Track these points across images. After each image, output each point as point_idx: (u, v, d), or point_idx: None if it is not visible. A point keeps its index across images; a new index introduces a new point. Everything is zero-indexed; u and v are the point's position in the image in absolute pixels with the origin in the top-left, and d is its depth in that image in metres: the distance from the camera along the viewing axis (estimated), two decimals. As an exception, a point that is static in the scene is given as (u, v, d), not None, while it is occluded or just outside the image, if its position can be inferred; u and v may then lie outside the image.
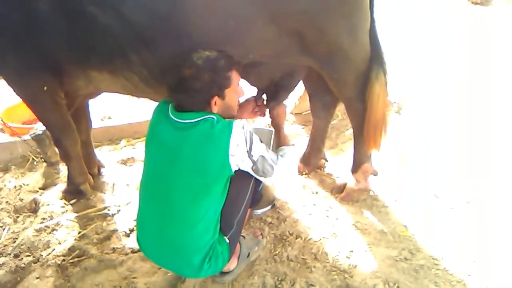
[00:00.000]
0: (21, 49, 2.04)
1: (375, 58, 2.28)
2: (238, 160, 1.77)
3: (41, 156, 3.13)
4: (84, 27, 1.92)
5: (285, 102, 2.47)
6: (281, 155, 2.00)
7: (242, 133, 1.77)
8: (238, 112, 2.10)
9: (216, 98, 1.80)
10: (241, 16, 1.88)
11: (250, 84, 2.37)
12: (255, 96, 2.40)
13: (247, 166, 1.82)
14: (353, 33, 2.13)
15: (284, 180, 2.00)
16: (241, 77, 1.97)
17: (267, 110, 2.43)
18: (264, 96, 2.44)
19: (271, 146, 2.38)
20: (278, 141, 2.28)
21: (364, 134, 2.43)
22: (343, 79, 2.28)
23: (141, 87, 2.12)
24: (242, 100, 2.26)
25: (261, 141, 1.88)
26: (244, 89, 2.00)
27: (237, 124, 1.77)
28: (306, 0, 1.90)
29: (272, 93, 2.44)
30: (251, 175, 1.89)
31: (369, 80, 2.28)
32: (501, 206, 2.55)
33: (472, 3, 5.90)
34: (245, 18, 1.89)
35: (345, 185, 2.72)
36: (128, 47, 1.95)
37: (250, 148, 1.79)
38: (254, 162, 1.82)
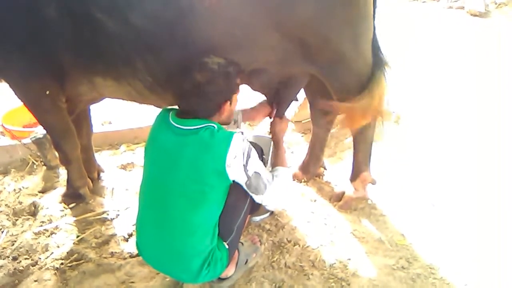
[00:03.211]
0: (26, 52, 2.05)
1: (376, 65, 2.31)
2: (234, 171, 1.79)
3: (41, 159, 3.14)
4: (91, 33, 1.93)
5: (287, 115, 2.47)
6: (276, 176, 1.99)
7: (241, 146, 1.78)
8: (253, 114, 2.10)
9: (227, 103, 1.84)
10: (246, 24, 1.91)
11: (253, 90, 2.39)
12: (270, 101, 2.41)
13: (241, 179, 1.83)
14: (357, 42, 2.16)
15: (275, 203, 2.00)
16: (245, 83, 2.00)
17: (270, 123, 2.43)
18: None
19: (270, 154, 2.39)
20: (275, 160, 2.21)
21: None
22: (344, 87, 2.30)
23: (145, 93, 2.13)
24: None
25: (261, 156, 1.89)
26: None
27: (237, 136, 1.79)
28: (311, 8, 1.92)
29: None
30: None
31: (371, 80, 2.30)
32: (499, 216, 2.56)
33: (471, 15, 5.95)
34: (250, 26, 1.92)
35: (343, 193, 2.73)
36: (134, 54, 1.97)
37: (247, 162, 1.80)
38: (248, 177, 1.83)
